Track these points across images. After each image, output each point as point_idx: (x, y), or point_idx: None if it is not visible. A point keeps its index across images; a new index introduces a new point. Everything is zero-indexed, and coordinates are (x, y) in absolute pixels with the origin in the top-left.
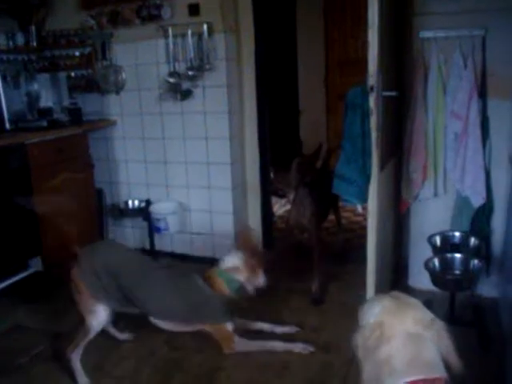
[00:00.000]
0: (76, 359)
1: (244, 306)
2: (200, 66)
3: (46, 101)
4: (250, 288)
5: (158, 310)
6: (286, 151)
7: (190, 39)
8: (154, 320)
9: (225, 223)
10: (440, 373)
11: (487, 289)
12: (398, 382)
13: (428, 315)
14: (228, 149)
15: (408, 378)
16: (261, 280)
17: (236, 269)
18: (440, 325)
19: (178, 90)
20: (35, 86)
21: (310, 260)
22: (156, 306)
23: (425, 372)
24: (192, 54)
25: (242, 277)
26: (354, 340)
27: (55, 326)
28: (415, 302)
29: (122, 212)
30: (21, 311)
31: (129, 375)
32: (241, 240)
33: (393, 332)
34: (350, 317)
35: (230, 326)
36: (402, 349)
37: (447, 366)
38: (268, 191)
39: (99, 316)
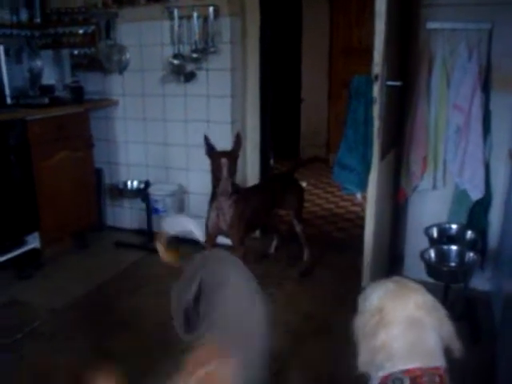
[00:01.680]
0: None
1: None
2: (204, 49)
3: (49, 78)
4: None
5: None
6: (286, 138)
7: (195, 21)
8: None
9: None
10: (439, 362)
11: (481, 282)
12: (395, 368)
13: (430, 300)
14: (229, 133)
15: (406, 366)
16: None
17: None
18: (441, 310)
19: (182, 72)
20: (38, 63)
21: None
22: None
23: (424, 360)
24: (197, 37)
25: None
26: (353, 324)
27: (51, 302)
28: (418, 287)
29: (121, 192)
30: (17, 286)
31: None
32: None
33: (393, 317)
34: (343, 305)
35: None
36: (402, 335)
37: (448, 353)
38: (267, 175)
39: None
